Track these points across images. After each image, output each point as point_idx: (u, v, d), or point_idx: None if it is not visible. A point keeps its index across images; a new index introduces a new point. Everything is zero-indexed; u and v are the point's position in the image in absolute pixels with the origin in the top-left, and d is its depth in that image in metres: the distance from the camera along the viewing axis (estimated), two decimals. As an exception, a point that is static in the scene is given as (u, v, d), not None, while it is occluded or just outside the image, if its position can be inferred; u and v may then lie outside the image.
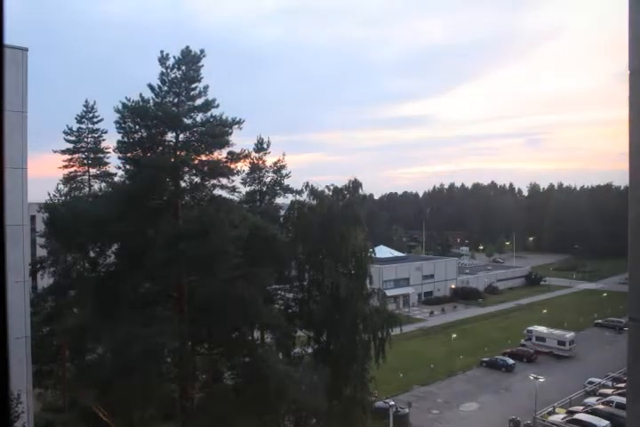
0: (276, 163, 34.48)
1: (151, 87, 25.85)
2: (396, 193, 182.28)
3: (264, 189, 34.44)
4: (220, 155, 26.91)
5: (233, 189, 28.23)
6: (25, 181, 17.86)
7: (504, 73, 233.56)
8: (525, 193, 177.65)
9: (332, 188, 31.98)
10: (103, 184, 34.47)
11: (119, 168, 29.06)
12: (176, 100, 26.09)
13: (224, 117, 26.47)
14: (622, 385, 38.43)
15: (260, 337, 30.96)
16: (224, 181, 27.13)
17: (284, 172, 34.61)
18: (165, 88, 25.96)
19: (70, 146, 35.08)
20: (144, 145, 26.84)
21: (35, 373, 23.46)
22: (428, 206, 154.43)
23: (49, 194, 31.47)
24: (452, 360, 49.71)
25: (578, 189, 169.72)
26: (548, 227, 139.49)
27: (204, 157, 26.89)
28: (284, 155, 35.01)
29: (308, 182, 32.29)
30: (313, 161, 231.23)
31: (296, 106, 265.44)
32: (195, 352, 27.08)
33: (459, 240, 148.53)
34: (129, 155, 27.31)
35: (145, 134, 26.61)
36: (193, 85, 26.05)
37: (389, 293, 54.85)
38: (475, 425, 38.00)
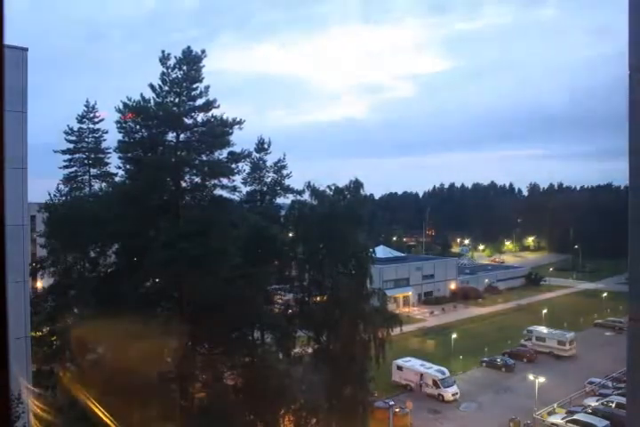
0: (276, 163, 34.49)
1: (152, 87, 25.88)
2: (396, 193, 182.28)
3: (265, 189, 34.43)
4: (221, 155, 26.96)
5: (233, 189, 28.27)
6: (25, 181, 17.85)
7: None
8: (525, 193, 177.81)
9: (333, 188, 32.02)
10: (104, 184, 34.46)
11: (119, 168, 29.12)
12: (177, 99, 26.11)
13: (225, 117, 26.52)
14: (622, 385, 38.41)
15: (260, 337, 30.96)
16: (224, 180, 27.17)
17: (284, 172, 34.63)
18: (166, 88, 25.99)
19: (71, 146, 35.07)
20: (145, 145, 26.85)
21: (35, 373, 23.44)
22: (428, 206, 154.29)
23: (49, 194, 31.47)
24: (452, 360, 49.68)
25: (578, 188, 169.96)
26: (548, 227, 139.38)
27: (204, 157, 26.92)
28: (284, 155, 35.05)
29: (309, 182, 32.37)
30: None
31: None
32: (195, 352, 27.08)
33: (459, 240, 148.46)
34: (129, 155, 27.33)
35: (146, 134, 26.64)
36: (194, 85, 26.08)
37: (389, 293, 54.81)
38: (475, 425, 37.97)
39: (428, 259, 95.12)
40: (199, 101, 26.25)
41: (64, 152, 34.75)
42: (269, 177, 34.39)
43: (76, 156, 35.13)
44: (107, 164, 35.33)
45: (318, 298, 32.24)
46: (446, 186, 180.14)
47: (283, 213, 35.81)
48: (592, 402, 39.59)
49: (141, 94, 25.70)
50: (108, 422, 23.13)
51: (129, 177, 28.06)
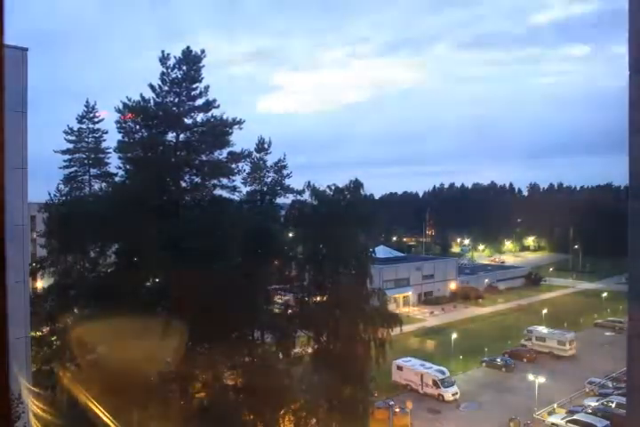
0: (276, 163, 34.45)
1: (152, 87, 25.90)
2: (396, 193, 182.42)
3: (265, 188, 34.40)
4: (221, 155, 26.98)
5: (233, 189, 28.31)
6: (25, 181, 17.85)
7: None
8: (525, 193, 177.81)
9: (333, 188, 31.99)
10: (104, 184, 34.44)
11: (119, 168, 29.12)
12: (177, 99, 26.15)
13: (224, 117, 26.54)
14: (622, 385, 38.42)
15: (260, 337, 30.97)
16: (224, 180, 27.20)
17: (284, 172, 34.60)
18: (166, 88, 26.02)
19: (71, 146, 35.08)
20: (145, 145, 26.87)
21: (35, 373, 23.43)
22: (428, 206, 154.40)
23: (49, 194, 31.46)
24: (452, 360, 49.71)
25: (578, 188, 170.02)
26: (548, 227, 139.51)
27: (204, 157, 26.94)
28: (284, 155, 35.02)
29: (309, 182, 32.35)
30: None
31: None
32: (195, 352, 27.08)
33: (459, 240, 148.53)
34: (129, 155, 27.34)
35: (146, 134, 26.66)
36: (194, 85, 26.10)
37: (389, 293, 54.79)
38: (475, 425, 37.98)
39: (428, 259, 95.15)
40: (199, 101, 26.30)
41: (64, 152, 34.76)
42: (269, 177, 34.37)
43: (76, 156, 35.12)
44: (107, 164, 35.34)
45: (318, 298, 32.23)
46: (446, 186, 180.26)
47: (283, 213, 35.79)
48: (592, 402, 39.61)
49: (141, 94, 25.75)
50: (108, 422, 23.13)
51: (129, 177, 28.06)
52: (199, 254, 23.34)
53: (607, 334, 61.23)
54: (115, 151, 29.56)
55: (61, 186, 33.02)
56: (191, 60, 25.85)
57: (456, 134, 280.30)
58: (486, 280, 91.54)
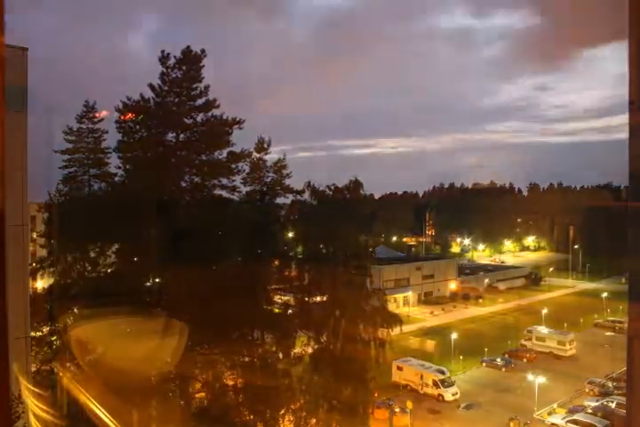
0: (276, 163, 34.44)
1: (152, 87, 25.93)
2: (395, 193, 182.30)
3: (264, 188, 34.38)
4: (221, 155, 27.01)
5: (233, 189, 28.30)
6: (25, 182, 17.84)
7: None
8: (525, 193, 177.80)
9: (332, 188, 32.01)
10: (103, 184, 34.41)
11: (119, 168, 29.13)
12: (177, 99, 26.17)
13: (224, 117, 26.56)
14: (622, 385, 38.41)
15: (260, 337, 30.97)
16: (224, 180, 27.22)
17: (284, 172, 34.58)
18: (166, 88, 26.04)
19: (70, 146, 35.04)
20: (145, 145, 26.89)
21: (35, 373, 23.43)
22: (428, 206, 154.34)
23: (49, 194, 31.44)
24: (452, 360, 49.71)
25: (578, 188, 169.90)
26: (548, 227, 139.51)
27: (204, 157, 26.97)
28: (284, 155, 35.01)
29: (309, 182, 32.35)
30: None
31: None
32: (195, 352, 27.09)
33: (459, 240, 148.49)
34: (129, 155, 27.37)
35: (145, 134, 26.69)
36: (194, 85, 26.13)
37: (389, 293, 54.80)
38: (475, 425, 37.98)
39: (428, 259, 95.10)
40: (199, 101, 26.31)
41: (63, 152, 34.72)
42: (269, 177, 34.33)
43: (76, 156, 35.09)
44: (107, 164, 35.28)
45: (318, 298, 32.25)
46: (446, 186, 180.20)
47: (283, 213, 35.78)
48: (592, 402, 39.60)
49: (141, 94, 25.77)
50: (108, 422, 23.12)
51: (129, 177, 28.08)
52: (199, 254, 23.36)
53: (607, 334, 61.21)
54: (115, 151, 29.57)
55: (61, 186, 33.02)
56: (191, 60, 25.87)
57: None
58: (486, 280, 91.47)
